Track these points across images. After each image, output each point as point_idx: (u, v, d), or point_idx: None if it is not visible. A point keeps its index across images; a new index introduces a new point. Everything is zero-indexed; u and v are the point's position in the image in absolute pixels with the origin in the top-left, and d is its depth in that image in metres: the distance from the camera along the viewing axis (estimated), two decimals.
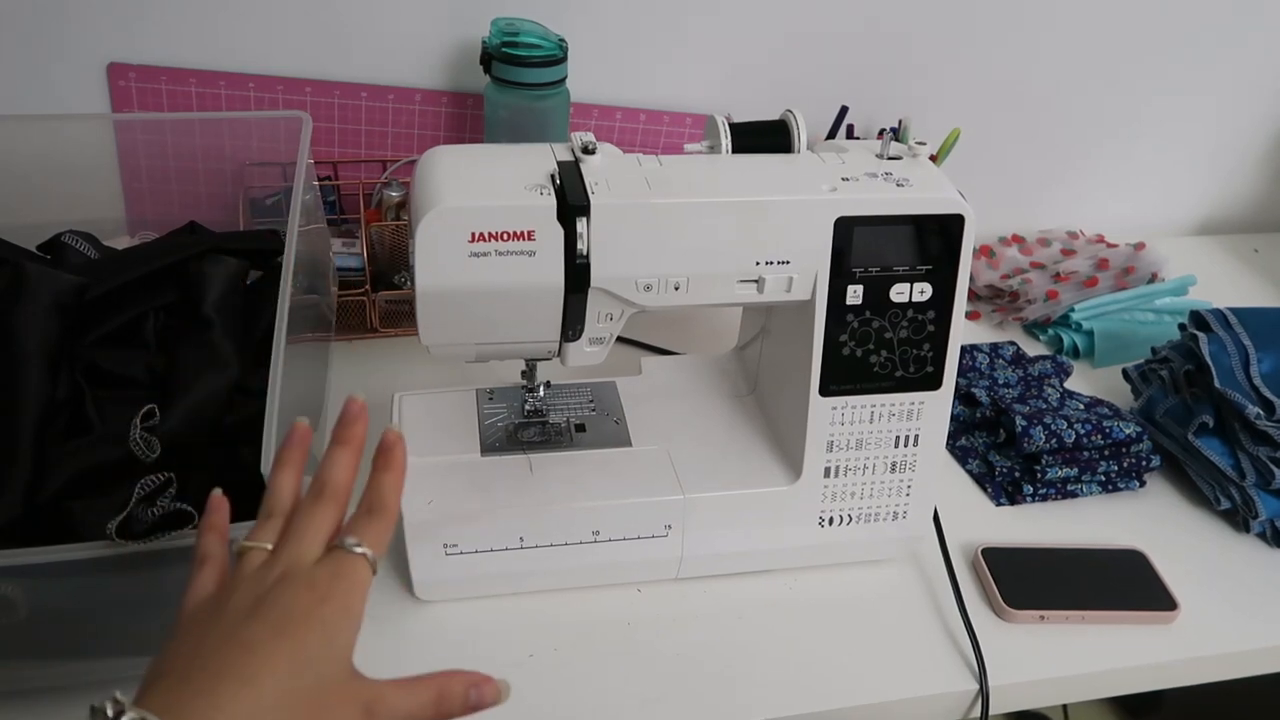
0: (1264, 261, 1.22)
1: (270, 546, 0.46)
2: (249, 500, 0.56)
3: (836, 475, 0.68)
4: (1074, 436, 0.79)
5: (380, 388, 0.82)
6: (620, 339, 0.67)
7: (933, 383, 0.67)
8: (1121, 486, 0.82)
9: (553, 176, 0.59)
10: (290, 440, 0.51)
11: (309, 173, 0.78)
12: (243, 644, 0.41)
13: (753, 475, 0.69)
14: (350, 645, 0.43)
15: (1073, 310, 1.01)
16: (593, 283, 0.59)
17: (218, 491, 0.51)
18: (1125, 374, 0.93)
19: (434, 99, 1.00)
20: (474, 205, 0.57)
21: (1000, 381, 0.91)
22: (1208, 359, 0.81)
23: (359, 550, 0.45)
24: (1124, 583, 0.73)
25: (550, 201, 0.57)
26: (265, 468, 0.54)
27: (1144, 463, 0.82)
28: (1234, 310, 0.85)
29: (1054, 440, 0.79)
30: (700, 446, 0.71)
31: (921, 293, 0.64)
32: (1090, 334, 0.99)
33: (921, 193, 0.62)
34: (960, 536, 0.76)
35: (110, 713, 0.37)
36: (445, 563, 0.65)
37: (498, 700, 0.46)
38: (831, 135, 1.04)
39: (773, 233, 0.61)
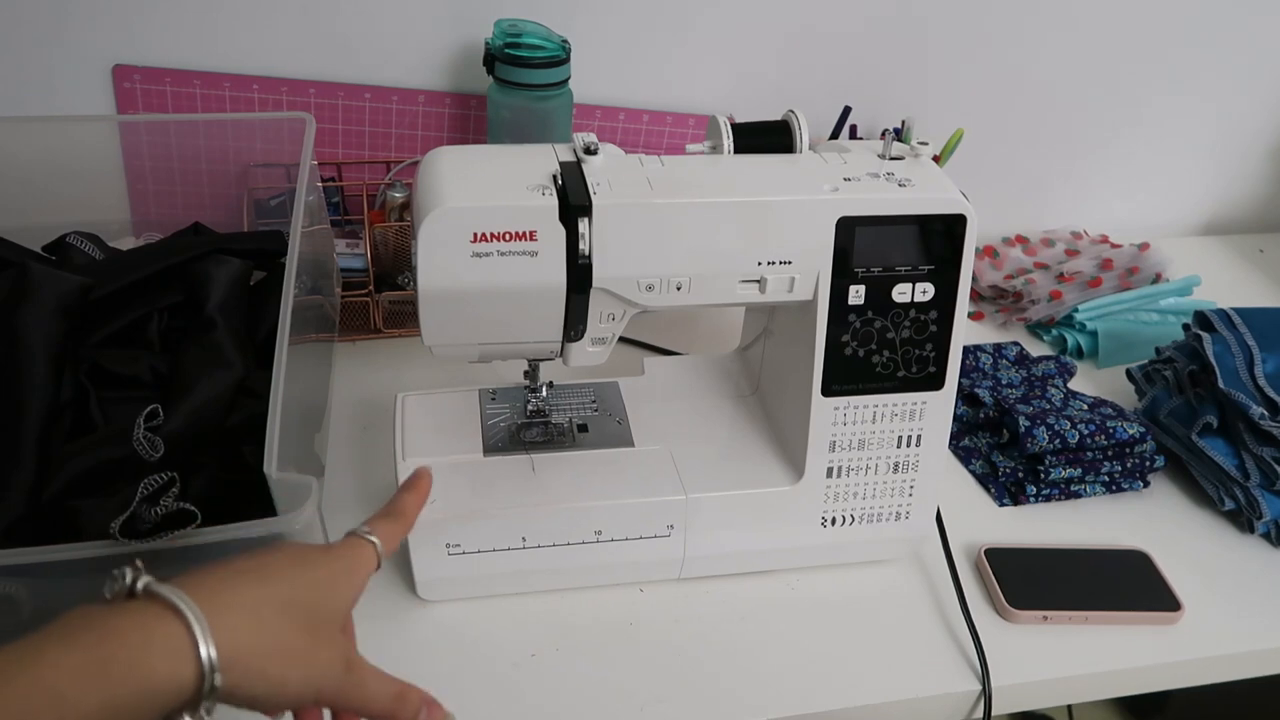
0: (1269, 262, 1.22)
1: None
2: (251, 499, 0.56)
3: (839, 475, 0.68)
4: (1077, 437, 0.79)
5: (383, 388, 0.82)
6: (623, 339, 0.67)
7: (935, 383, 0.67)
8: (1125, 487, 0.82)
9: (555, 177, 0.59)
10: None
11: (312, 174, 0.78)
12: (262, 560, 0.46)
13: (755, 475, 0.69)
14: (347, 603, 0.49)
15: (1076, 310, 1.00)
16: (595, 283, 0.59)
17: None
18: (1129, 374, 0.92)
19: (437, 100, 1.00)
20: (476, 206, 0.57)
21: (1003, 382, 0.91)
22: (1212, 359, 0.81)
23: (370, 537, 0.52)
24: (1127, 583, 0.73)
25: (552, 202, 0.57)
26: (268, 468, 0.54)
27: (1148, 463, 0.82)
28: (1238, 310, 0.85)
29: (1057, 440, 0.79)
30: (703, 446, 0.71)
31: (924, 293, 0.64)
32: (1094, 334, 0.99)
33: (924, 193, 0.62)
34: (963, 537, 0.76)
35: (128, 579, 0.41)
36: (448, 562, 0.65)
37: None
38: (834, 136, 1.04)
39: (775, 233, 0.61)
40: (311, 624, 0.45)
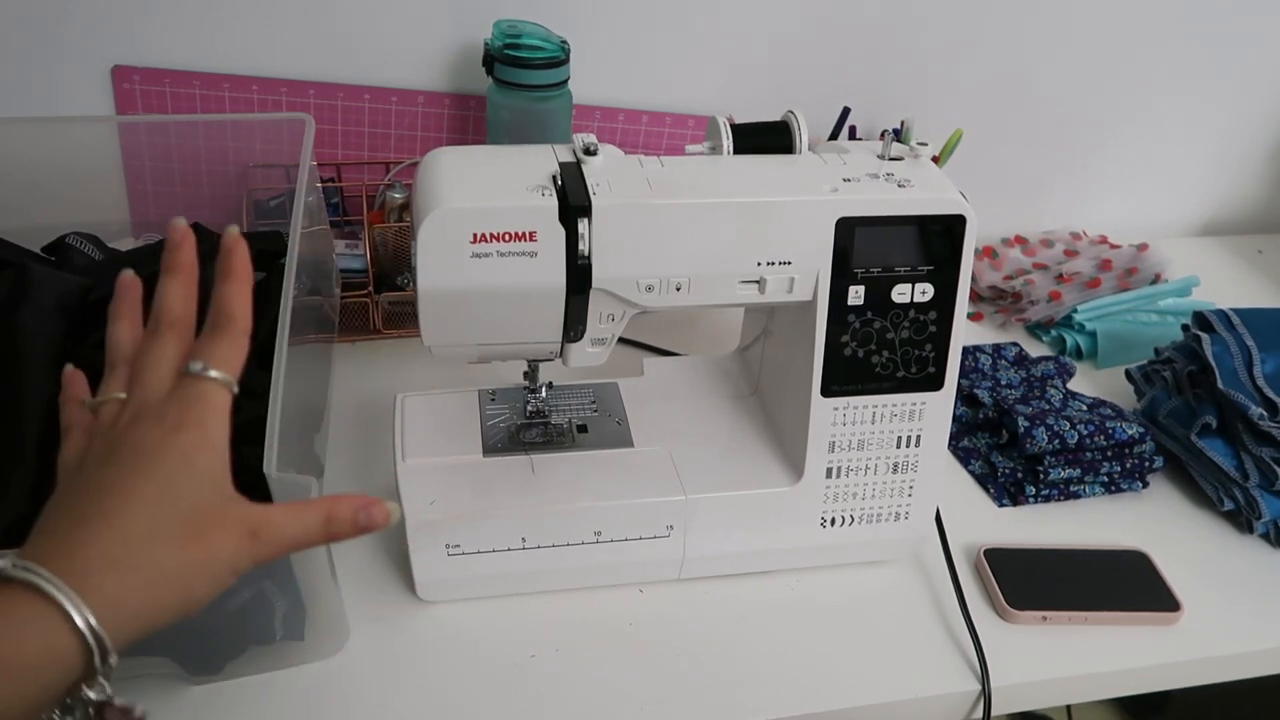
0: (1268, 262, 1.22)
1: (122, 395, 0.46)
2: (250, 500, 0.56)
3: (838, 476, 0.68)
4: (1076, 437, 0.79)
5: (383, 389, 0.82)
6: (622, 340, 0.67)
7: (934, 383, 0.67)
8: (1124, 487, 0.82)
9: (554, 177, 0.59)
10: (119, 293, 0.50)
11: (312, 175, 0.78)
12: (101, 487, 0.41)
13: (755, 476, 0.69)
14: (216, 469, 0.43)
15: (1076, 311, 1.00)
16: (594, 283, 0.59)
17: (69, 367, 0.50)
18: (1128, 375, 0.93)
19: (437, 101, 1.00)
20: (476, 206, 0.57)
21: (1003, 382, 0.91)
22: (1211, 360, 0.81)
23: (210, 374, 0.44)
24: (1127, 584, 0.73)
25: (552, 202, 0.57)
26: (268, 468, 0.54)
27: (1147, 463, 0.82)
28: (1237, 311, 0.85)
29: (1056, 441, 0.79)
30: (702, 447, 0.71)
31: (923, 293, 0.64)
32: (1093, 335, 0.99)
33: (923, 193, 0.62)
34: (962, 537, 0.76)
35: None
36: (447, 563, 0.65)
37: (387, 521, 0.46)
38: (834, 136, 1.04)
39: (774, 233, 0.61)
40: (189, 527, 0.41)
